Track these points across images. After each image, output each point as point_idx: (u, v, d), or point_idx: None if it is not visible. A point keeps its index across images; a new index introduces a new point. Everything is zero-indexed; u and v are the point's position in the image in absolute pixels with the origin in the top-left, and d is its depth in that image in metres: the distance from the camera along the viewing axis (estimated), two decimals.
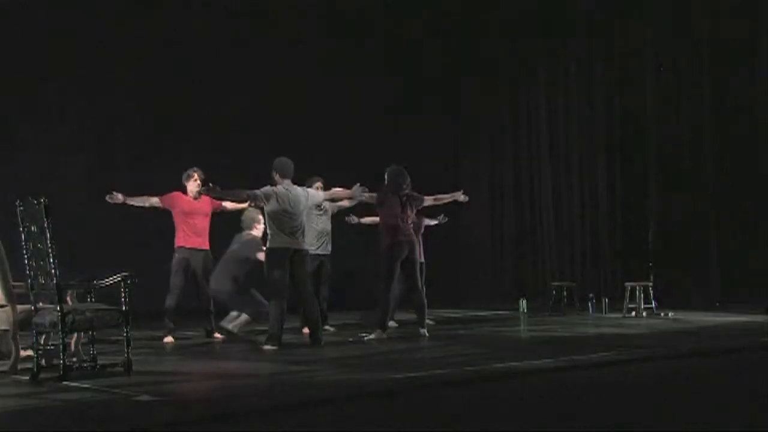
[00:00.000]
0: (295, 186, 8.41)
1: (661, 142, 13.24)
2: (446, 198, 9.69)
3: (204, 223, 9.25)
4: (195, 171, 9.25)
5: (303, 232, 8.39)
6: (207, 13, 12.98)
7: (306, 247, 8.51)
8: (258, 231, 9.35)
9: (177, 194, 9.26)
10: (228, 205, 9.35)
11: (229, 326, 9.22)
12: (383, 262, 8.94)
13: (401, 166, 9.12)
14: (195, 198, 9.19)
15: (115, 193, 8.89)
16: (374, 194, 8.98)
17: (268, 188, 8.32)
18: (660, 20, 13.22)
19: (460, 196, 9.76)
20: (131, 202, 9.10)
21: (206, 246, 9.27)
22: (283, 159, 8.44)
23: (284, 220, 8.19)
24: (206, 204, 9.26)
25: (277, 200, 8.22)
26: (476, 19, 15.29)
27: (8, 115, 11.36)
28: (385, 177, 9.09)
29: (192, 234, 9.17)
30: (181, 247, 9.18)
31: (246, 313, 9.19)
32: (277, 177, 8.36)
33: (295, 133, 13.13)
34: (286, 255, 8.18)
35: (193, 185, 9.19)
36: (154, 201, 9.20)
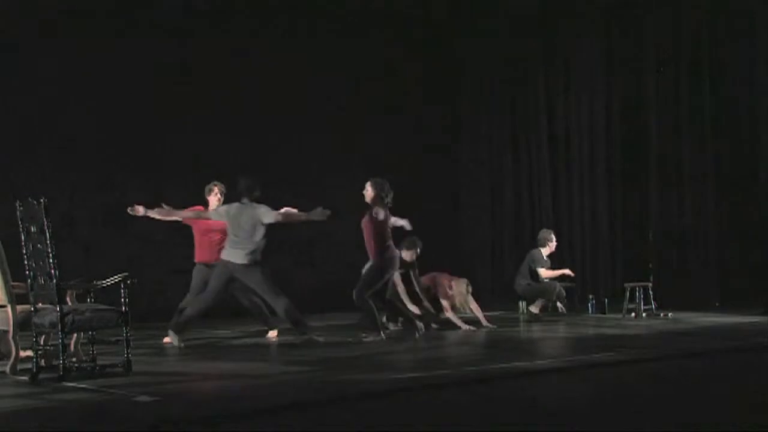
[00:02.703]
0: (246, 203, 8.58)
1: (661, 142, 13.21)
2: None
3: (217, 237, 9.06)
4: (215, 185, 9.22)
5: (248, 245, 8.49)
6: (207, 13, 12.94)
7: (241, 261, 8.52)
8: (549, 249, 11.73)
9: (199, 209, 9.16)
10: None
11: (534, 309, 11.40)
12: (376, 272, 8.89)
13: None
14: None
15: (136, 205, 8.79)
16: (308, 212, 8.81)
17: (221, 207, 8.78)
18: (660, 20, 13.20)
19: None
20: (152, 215, 8.91)
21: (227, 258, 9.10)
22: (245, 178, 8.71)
23: (229, 234, 8.59)
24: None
25: (227, 216, 8.62)
26: (476, 18, 15.26)
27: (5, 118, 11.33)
28: (378, 188, 8.97)
29: (209, 249, 9.06)
30: (201, 262, 9.13)
31: (543, 299, 11.52)
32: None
33: (294, 133, 13.12)
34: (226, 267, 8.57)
35: (213, 199, 9.16)
36: (177, 216, 9.05)
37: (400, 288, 9.81)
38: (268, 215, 8.57)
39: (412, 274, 9.97)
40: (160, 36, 12.14)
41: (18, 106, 11.12)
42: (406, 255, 9.86)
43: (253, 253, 8.54)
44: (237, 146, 12.38)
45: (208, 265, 9.02)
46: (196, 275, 9.14)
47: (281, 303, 8.59)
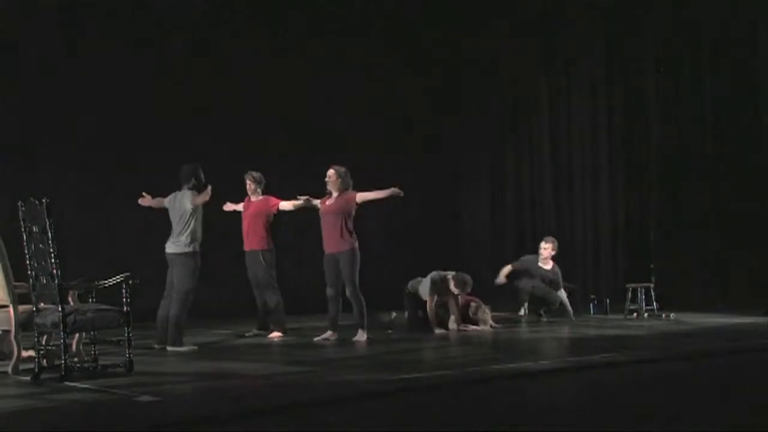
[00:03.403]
0: (182, 192, 8.46)
1: (662, 143, 13.22)
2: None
3: (245, 225, 9.51)
4: (246, 175, 9.59)
5: (179, 235, 8.32)
6: (208, 13, 12.93)
7: (172, 250, 8.39)
8: (544, 254, 11.38)
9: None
10: (287, 205, 9.44)
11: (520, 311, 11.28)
12: (356, 264, 8.79)
13: None
14: (250, 200, 9.61)
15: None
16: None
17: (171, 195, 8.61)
18: (660, 20, 13.22)
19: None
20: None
21: (249, 247, 9.46)
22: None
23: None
24: (253, 206, 9.50)
25: (168, 205, 8.56)
26: (476, 18, 15.26)
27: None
28: (346, 177, 8.96)
29: (244, 236, 9.53)
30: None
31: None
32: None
33: (294, 133, 13.11)
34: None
35: (248, 190, 9.61)
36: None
37: (430, 306, 9.75)
38: (185, 200, 8.38)
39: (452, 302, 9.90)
40: (160, 36, 12.13)
41: (18, 106, 11.12)
42: (458, 292, 9.81)
43: (183, 243, 8.32)
44: (237, 146, 12.37)
45: (245, 252, 9.52)
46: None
47: (178, 305, 8.21)
